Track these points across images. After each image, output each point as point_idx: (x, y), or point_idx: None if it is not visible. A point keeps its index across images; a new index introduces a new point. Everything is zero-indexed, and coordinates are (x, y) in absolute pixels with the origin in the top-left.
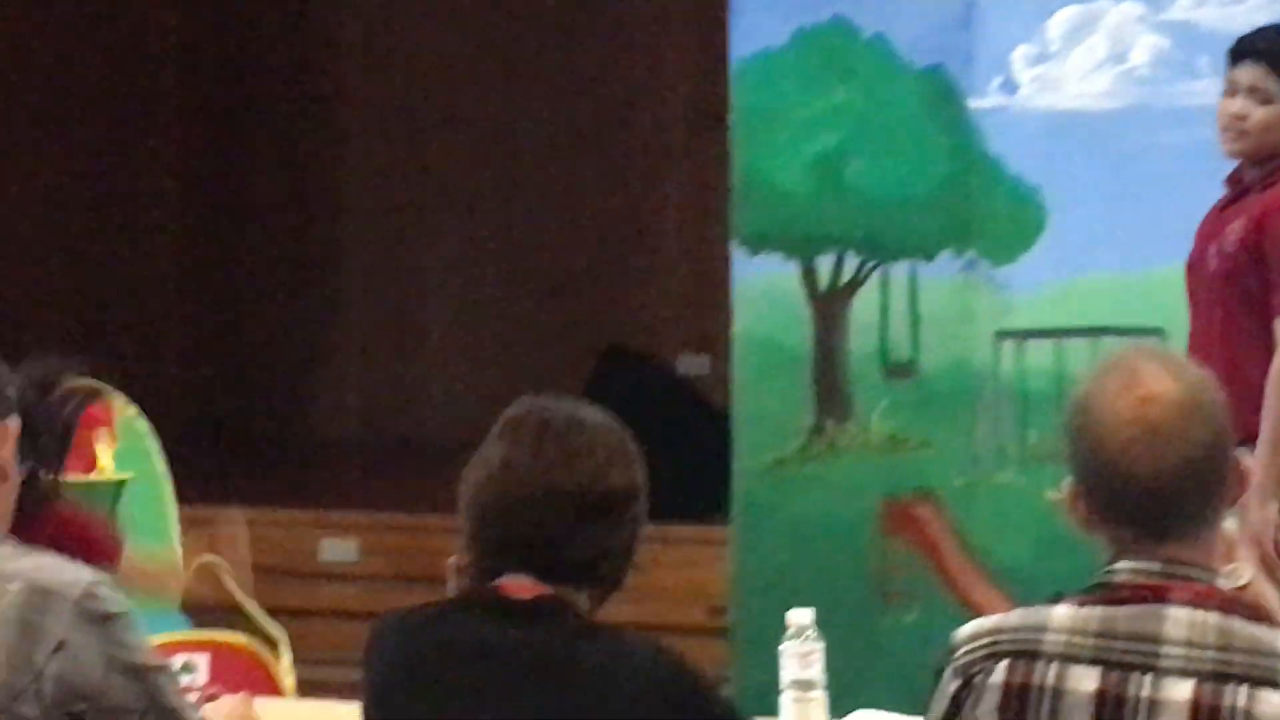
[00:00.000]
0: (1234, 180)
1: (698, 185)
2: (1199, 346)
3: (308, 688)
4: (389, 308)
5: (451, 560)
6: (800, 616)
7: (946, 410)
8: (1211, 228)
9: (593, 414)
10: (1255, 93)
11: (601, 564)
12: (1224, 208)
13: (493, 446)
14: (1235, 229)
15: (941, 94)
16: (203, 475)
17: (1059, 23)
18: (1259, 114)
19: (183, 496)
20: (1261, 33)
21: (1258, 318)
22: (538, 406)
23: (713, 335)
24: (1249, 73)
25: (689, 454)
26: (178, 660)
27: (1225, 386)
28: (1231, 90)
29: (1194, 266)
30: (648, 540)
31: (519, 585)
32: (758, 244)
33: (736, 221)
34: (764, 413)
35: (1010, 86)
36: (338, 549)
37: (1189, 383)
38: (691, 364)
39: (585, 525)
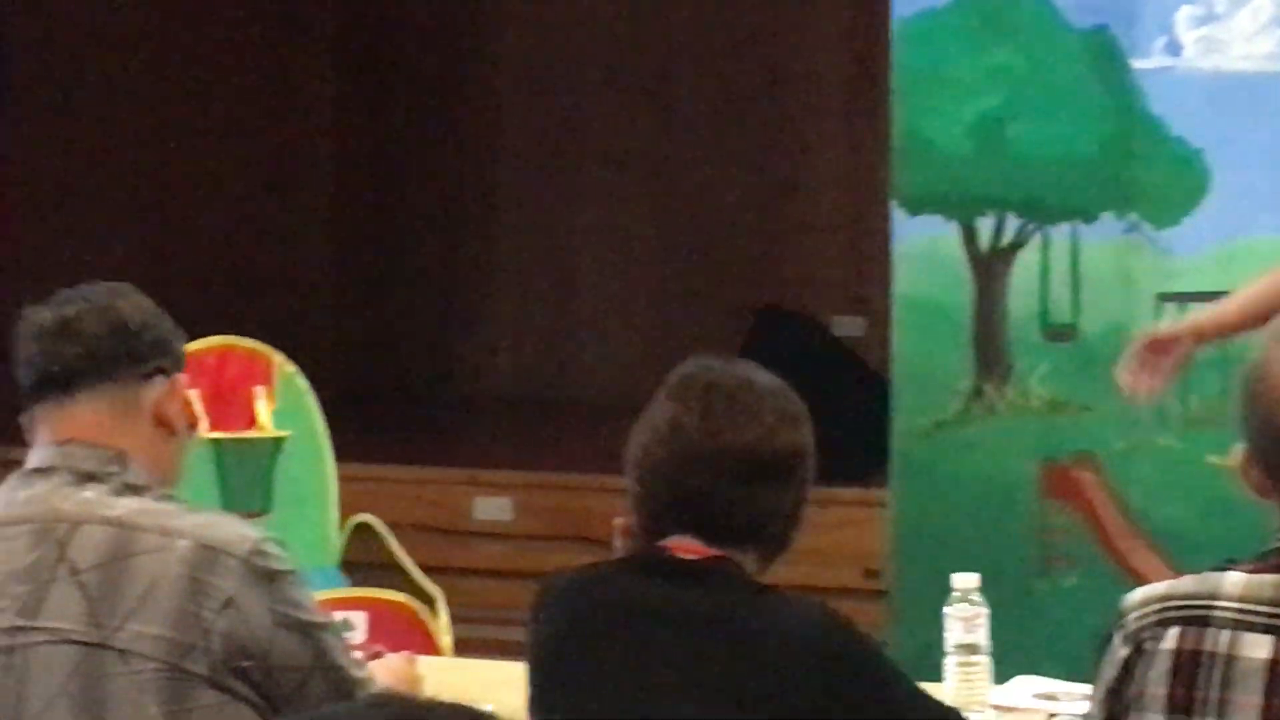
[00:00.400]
0: None
1: (854, 145)
2: None
3: (463, 646)
4: (543, 266)
5: (619, 521)
6: (966, 580)
7: (1107, 373)
8: None
9: (761, 375)
10: None
11: (769, 525)
12: None
13: (661, 407)
14: None
15: (1104, 55)
16: (360, 434)
17: None
18: None
19: (341, 454)
20: None
21: None
22: (706, 367)
23: (868, 297)
24: None
25: (845, 416)
26: (337, 618)
27: None
28: None
29: None
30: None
31: (686, 546)
32: (918, 205)
33: (896, 182)
34: (923, 375)
35: (1174, 48)
36: (491, 508)
37: None
38: (847, 325)
39: (753, 486)
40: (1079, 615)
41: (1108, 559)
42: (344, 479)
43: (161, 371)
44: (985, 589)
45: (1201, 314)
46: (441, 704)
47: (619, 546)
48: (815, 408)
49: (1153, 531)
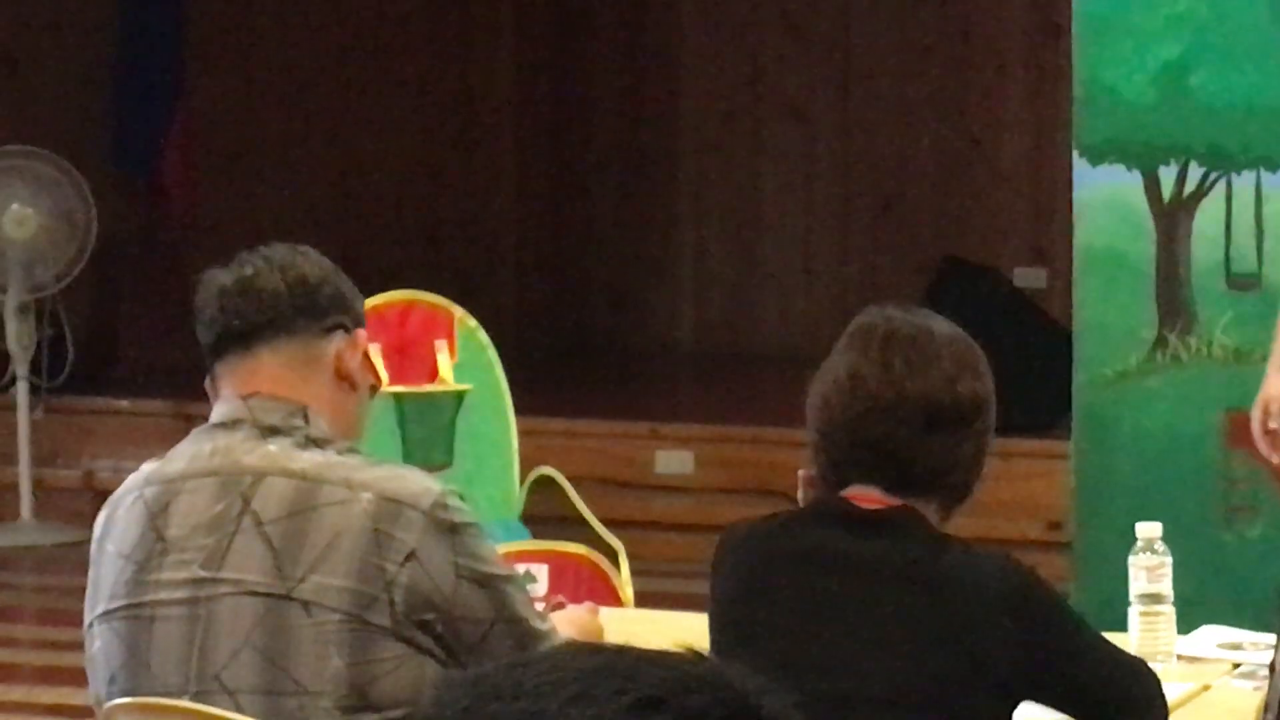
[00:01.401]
0: None
1: (1036, 96)
2: None
3: (644, 599)
4: (725, 219)
5: (802, 472)
6: (1149, 530)
7: None
8: None
9: (940, 324)
10: None
11: (950, 475)
12: None
13: (840, 357)
14: None
15: None
16: (541, 387)
17: None
18: None
19: (522, 408)
20: None
21: None
22: (885, 316)
23: (1050, 247)
24: None
25: (1027, 367)
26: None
27: None
28: None
29: None
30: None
31: (867, 496)
32: (1100, 154)
33: (1078, 132)
34: (1105, 325)
35: None
36: (673, 461)
37: None
38: (1029, 276)
39: (934, 435)
40: (1263, 566)
41: None
42: (525, 433)
43: (341, 327)
44: (1168, 540)
45: (1275, 375)
46: (653, 654)
47: (803, 497)
48: (996, 360)
49: None
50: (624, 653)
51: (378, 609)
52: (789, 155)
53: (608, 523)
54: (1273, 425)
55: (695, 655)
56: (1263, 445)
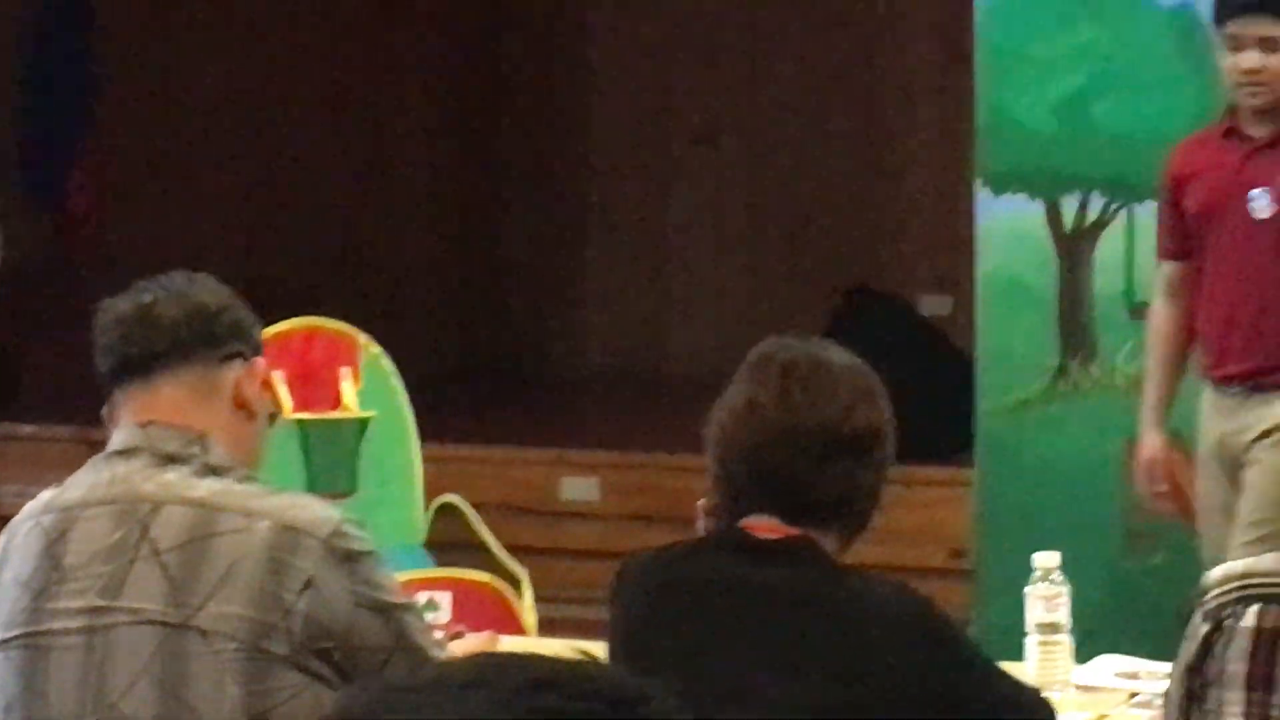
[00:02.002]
0: (1240, 133)
1: (944, 124)
2: (1248, 290)
3: (550, 626)
4: (635, 244)
5: (701, 502)
6: (1046, 559)
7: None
8: (1248, 178)
9: (839, 353)
10: (1266, 43)
11: (848, 504)
12: (1247, 158)
13: (739, 387)
14: None
15: (1189, 33)
16: (449, 413)
17: None
18: (1274, 63)
19: (429, 434)
20: None
21: None
22: (784, 346)
23: (956, 276)
24: (1257, 24)
25: (931, 395)
26: (421, 598)
27: None
28: (1239, 45)
29: (1228, 214)
30: (891, 481)
31: (766, 525)
32: (1002, 183)
33: (981, 161)
34: (1008, 353)
35: None
36: (579, 487)
37: None
38: (935, 304)
39: (832, 465)
40: (1165, 594)
41: (1194, 537)
42: (432, 459)
43: (239, 355)
44: (1070, 568)
45: (1150, 433)
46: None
47: (701, 526)
48: (901, 387)
49: None
50: (519, 653)
51: (275, 637)
52: (699, 182)
53: (513, 549)
54: (1158, 489)
55: (587, 654)
56: (1154, 505)
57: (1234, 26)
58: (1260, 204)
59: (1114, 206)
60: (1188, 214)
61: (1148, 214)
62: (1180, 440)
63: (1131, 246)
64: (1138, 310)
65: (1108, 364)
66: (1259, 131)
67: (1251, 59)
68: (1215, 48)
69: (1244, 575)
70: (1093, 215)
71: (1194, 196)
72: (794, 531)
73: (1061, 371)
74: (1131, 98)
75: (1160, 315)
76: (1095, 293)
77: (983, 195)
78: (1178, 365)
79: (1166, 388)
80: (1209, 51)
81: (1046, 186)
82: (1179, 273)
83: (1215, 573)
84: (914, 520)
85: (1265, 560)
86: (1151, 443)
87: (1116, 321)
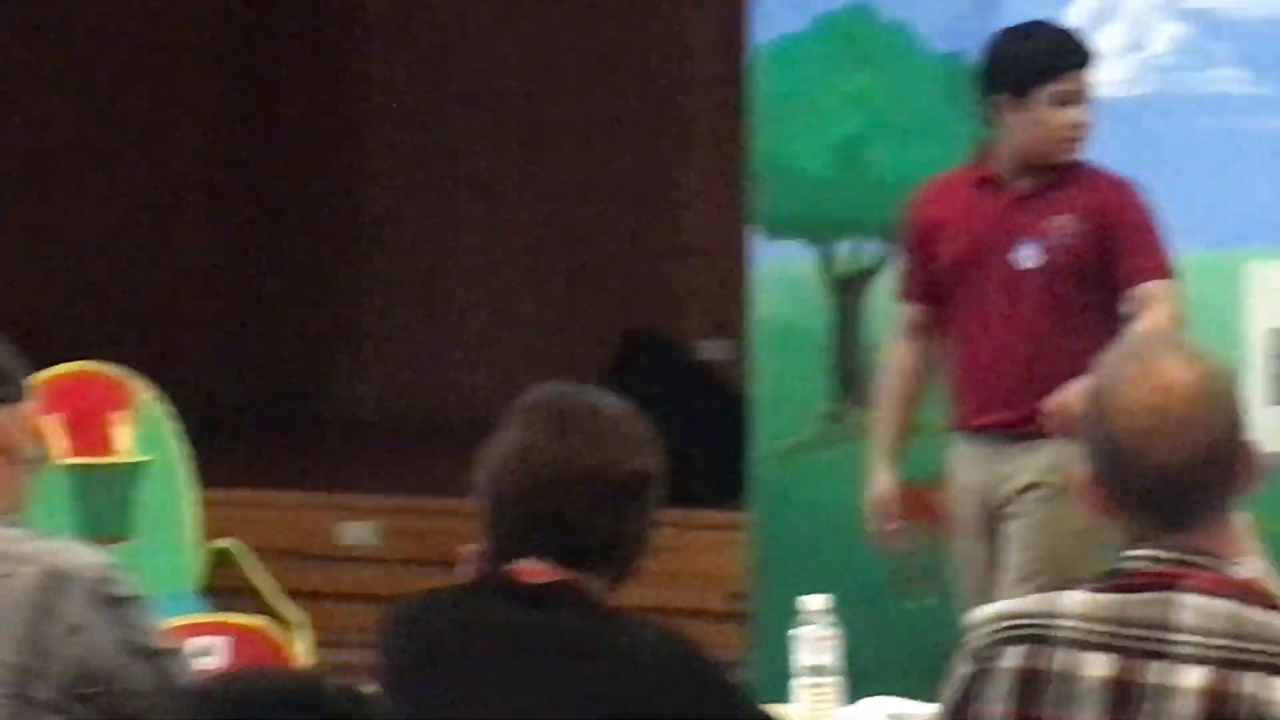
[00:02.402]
0: (1000, 182)
1: (721, 171)
2: (1032, 340)
3: (330, 671)
4: (414, 290)
5: (465, 547)
6: (814, 602)
7: None
8: (1014, 228)
9: (608, 399)
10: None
11: (617, 549)
12: (1010, 208)
13: (510, 431)
14: (1066, 221)
15: (961, 80)
16: (228, 458)
17: (1080, 10)
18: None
19: (208, 479)
20: (1082, 40)
21: (1104, 299)
22: (554, 392)
23: (735, 321)
24: (1083, 79)
25: (709, 439)
26: (195, 644)
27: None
28: (1069, 99)
29: (990, 263)
30: (669, 525)
31: (534, 570)
32: (777, 229)
33: (756, 207)
34: (782, 398)
35: None
36: (357, 532)
37: (1205, 372)
38: (713, 349)
39: (602, 510)
40: (938, 635)
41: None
42: (211, 504)
43: (1, 400)
44: (843, 611)
45: (883, 472)
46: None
47: (463, 571)
48: (678, 432)
49: None
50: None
51: (40, 683)
52: (477, 227)
53: (293, 594)
54: (890, 528)
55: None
56: (887, 543)
57: (1066, 82)
58: (1027, 254)
59: (887, 252)
60: (941, 260)
61: None
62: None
63: None
64: None
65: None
66: (1022, 183)
67: (1083, 113)
68: (1005, 104)
69: (1006, 616)
70: (866, 261)
71: (951, 244)
72: (562, 576)
73: (835, 416)
74: (905, 144)
75: (898, 356)
76: (869, 338)
77: (758, 241)
78: (912, 406)
79: (900, 427)
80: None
81: (820, 232)
82: (921, 316)
83: (978, 614)
84: (693, 564)
85: (1026, 601)
86: (883, 481)
87: None
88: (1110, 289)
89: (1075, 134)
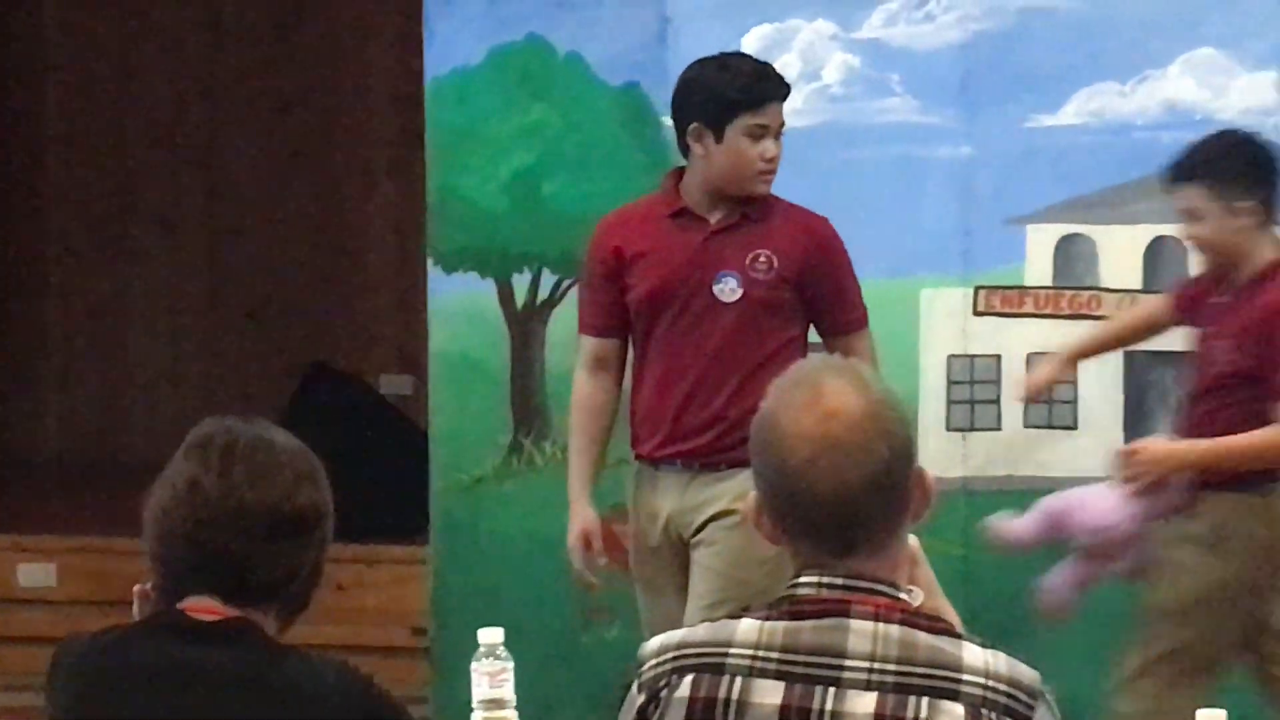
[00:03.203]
0: (693, 215)
1: (401, 204)
2: (711, 369)
3: (8, 715)
4: (92, 328)
5: (137, 587)
6: (490, 635)
7: None
8: (714, 260)
9: (279, 435)
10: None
11: (289, 585)
12: (708, 240)
13: (178, 467)
14: (766, 255)
15: (637, 111)
16: None
17: (752, 41)
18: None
19: None
20: (777, 72)
21: (801, 334)
22: (223, 428)
23: (416, 355)
24: (779, 112)
25: (392, 474)
26: None
27: None
28: (764, 133)
29: (689, 295)
30: (352, 562)
31: (205, 607)
32: (454, 262)
33: (433, 239)
34: (461, 431)
35: None
36: (35, 574)
37: (872, 398)
38: (396, 383)
39: (273, 545)
40: (622, 666)
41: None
42: None
43: None
44: (529, 643)
45: (583, 506)
46: None
47: (138, 610)
48: (361, 467)
49: None
50: None
51: None
52: (156, 263)
53: None
54: (595, 561)
55: None
56: (589, 577)
57: (762, 116)
58: (728, 286)
59: (565, 284)
60: (636, 292)
61: None
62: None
63: None
64: None
65: (561, 440)
66: (716, 215)
67: (777, 146)
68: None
69: (679, 645)
70: (544, 293)
71: (646, 276)
72: (233, 613)
73: (515, 448)
74: (581, 176)
75: (585, 389)
76: (548, 370)
77: (434, 274)
78: (604, 438)
79: (595, 461)
80: (656, 129)
81: (498, 265)
82: (605, 349)
83: (651, 644)
84: (377, 599)
85: (699, 630)
86: (584, 514)
87: (568, 399)
88: (805, 321)
89: (770, 167)
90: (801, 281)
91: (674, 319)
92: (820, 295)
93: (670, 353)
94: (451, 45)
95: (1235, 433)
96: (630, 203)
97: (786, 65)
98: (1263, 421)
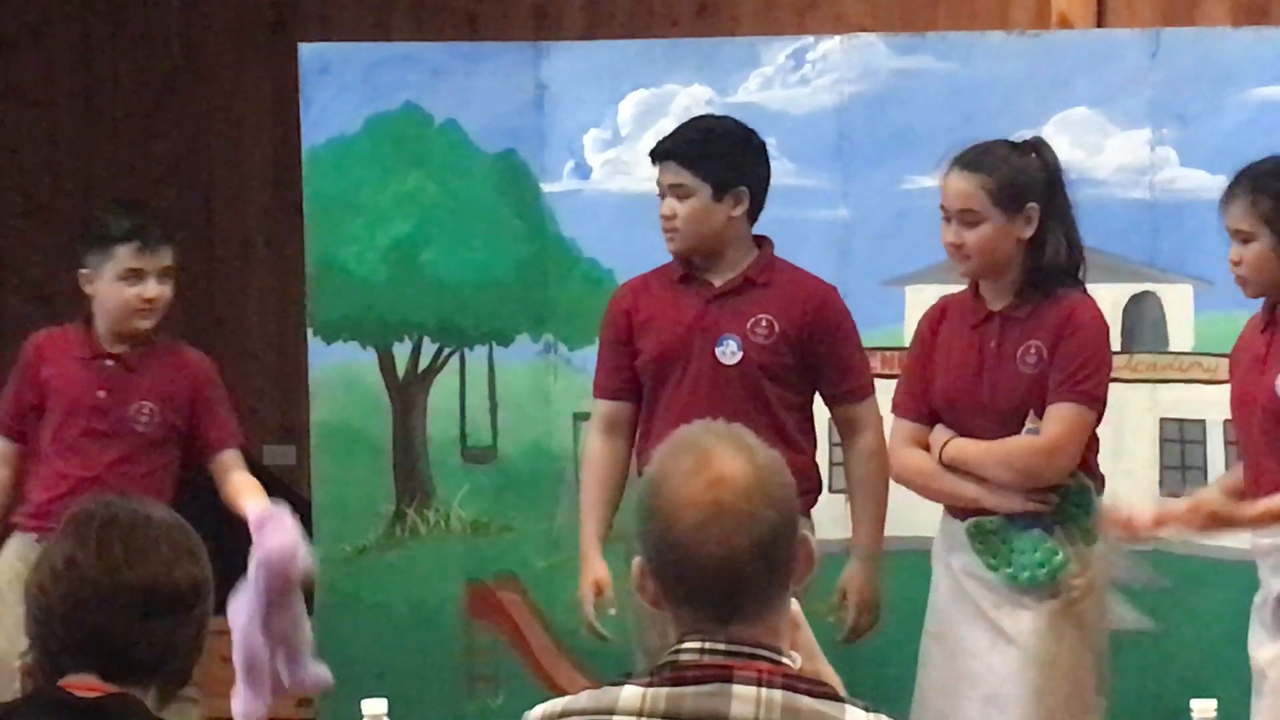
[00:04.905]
0: (699, 280)
1: (280, 275)
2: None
3: None
4: None
5: (17, 662)
6: (374, 706)
7: (527, 493)
8: (716, 323)
9: (158, 510)
10: (675, 190)
11: (169, 661)
12: (709, 304)
13: (57, 545)
14: (767, 320)
15: (515, 178)
16: None
17: (629, 106)
18: (684, 210)
19: None
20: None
21: (803, 397)
22: (101, 504)
23: (298, 425)
24: (666, 172)
25: None
26: None
27: None
28: (660, 192)
29: (693, 358)
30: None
31: (85, 684)
32: (333, 332)
33: (312, 310)
34: (344, 501)
35: (583, 170)
36: None
37: (759, 465)
38: (279, 454)
39: (152, 621)
40: None
41: (533, 677)
42: None
43: None
44: (414, 712)
45: (595, 561)
46: None
47: (20, 687)
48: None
49: (575, 649)
50: None
51: None
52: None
53: None
54: (611, 611)
55: None
56: (596, 627)
57: (663, 174)
58: (729, 349)
59: (445, 352)
60: (644, 356)
61: (479, 359)
62: (516, 580)
63: (463, 390)
64: (471, 454)
65: (444, 508)
66: (718, 279)
67: (666, 206)
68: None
69: (563, 713)
70: (425, 361)
71: (653, 340)
72: (113, 689)
73: (398, 518)
74: (458, 244)
75: (598, 451)
76: (429, 438)
77: (315, 344)
78: (615, 499)
79: (605, 520)
80: (533, 196)
81: (377, 334)
82: (617, 411)
83: (535, 711)
84: None
85: (582, 697)
86: (596, 567)
87: (451, 466)
88: (809, 386)
89: (663, 225)
90: (803, 347)
91: (679, 382)
92: (822, 361)
93: (677, 415)
94: (328, 114)
95: None
96: (649, 271)
97: (663, 130)
98: None
